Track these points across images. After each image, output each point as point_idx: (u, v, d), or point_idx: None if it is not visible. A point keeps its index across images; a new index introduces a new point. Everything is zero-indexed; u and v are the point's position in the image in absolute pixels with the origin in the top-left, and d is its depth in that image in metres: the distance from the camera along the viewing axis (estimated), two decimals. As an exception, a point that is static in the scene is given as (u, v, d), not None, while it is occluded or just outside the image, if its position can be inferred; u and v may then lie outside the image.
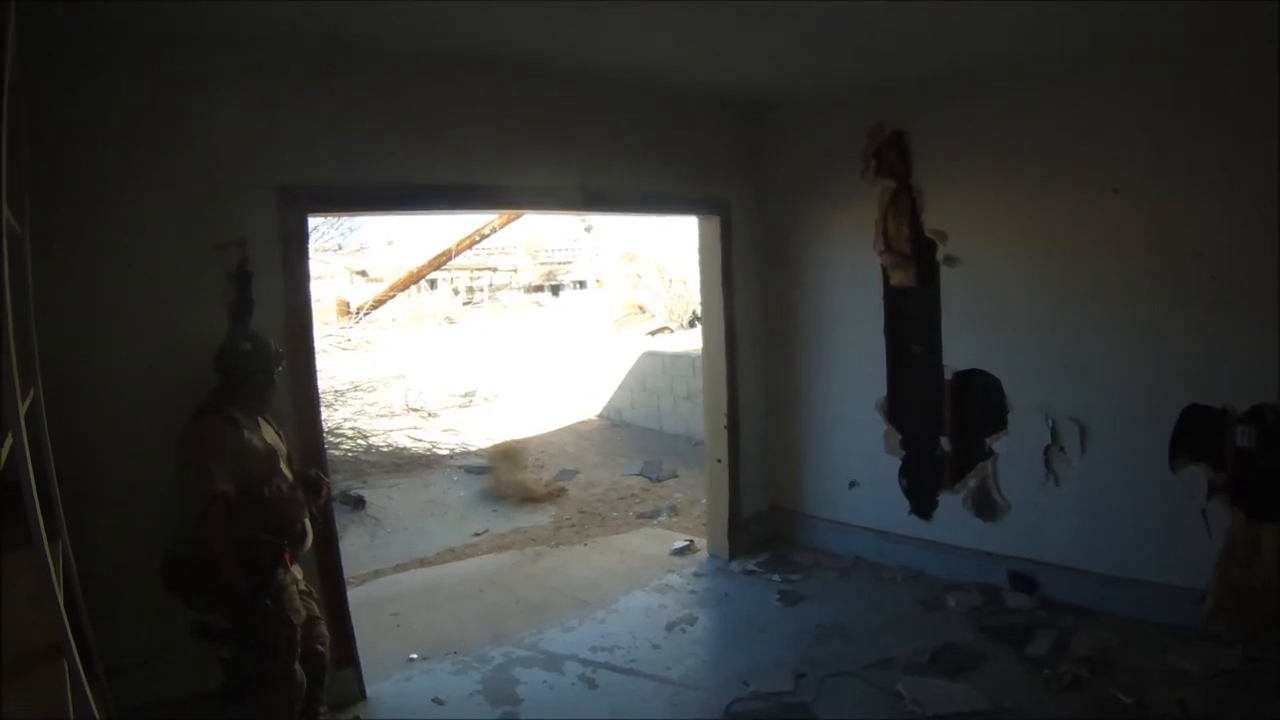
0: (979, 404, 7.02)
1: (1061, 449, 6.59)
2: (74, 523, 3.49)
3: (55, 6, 4.02)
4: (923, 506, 7.49)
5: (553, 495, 11.07)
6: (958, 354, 7.14)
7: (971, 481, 7.09)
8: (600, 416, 15.88)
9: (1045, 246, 6.57)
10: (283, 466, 4.50)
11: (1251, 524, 5.68)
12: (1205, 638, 5.78)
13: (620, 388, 15.67)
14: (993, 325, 6.91)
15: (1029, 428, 6.74)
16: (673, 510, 10.29)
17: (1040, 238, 6.60)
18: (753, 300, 8.26)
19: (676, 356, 14.64)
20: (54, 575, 2.44)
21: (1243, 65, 5.54)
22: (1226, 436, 5.82)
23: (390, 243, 28.19)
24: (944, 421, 7.26)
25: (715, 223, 7.97)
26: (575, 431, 14.95)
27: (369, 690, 5.70)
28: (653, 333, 17.28)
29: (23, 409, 2.41)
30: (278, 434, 4.64)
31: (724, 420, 8.09)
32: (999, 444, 6.93)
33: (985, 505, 7.03)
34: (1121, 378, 6.27)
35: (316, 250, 13.18)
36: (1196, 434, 5.95)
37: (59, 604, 2.41)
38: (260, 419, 4.54)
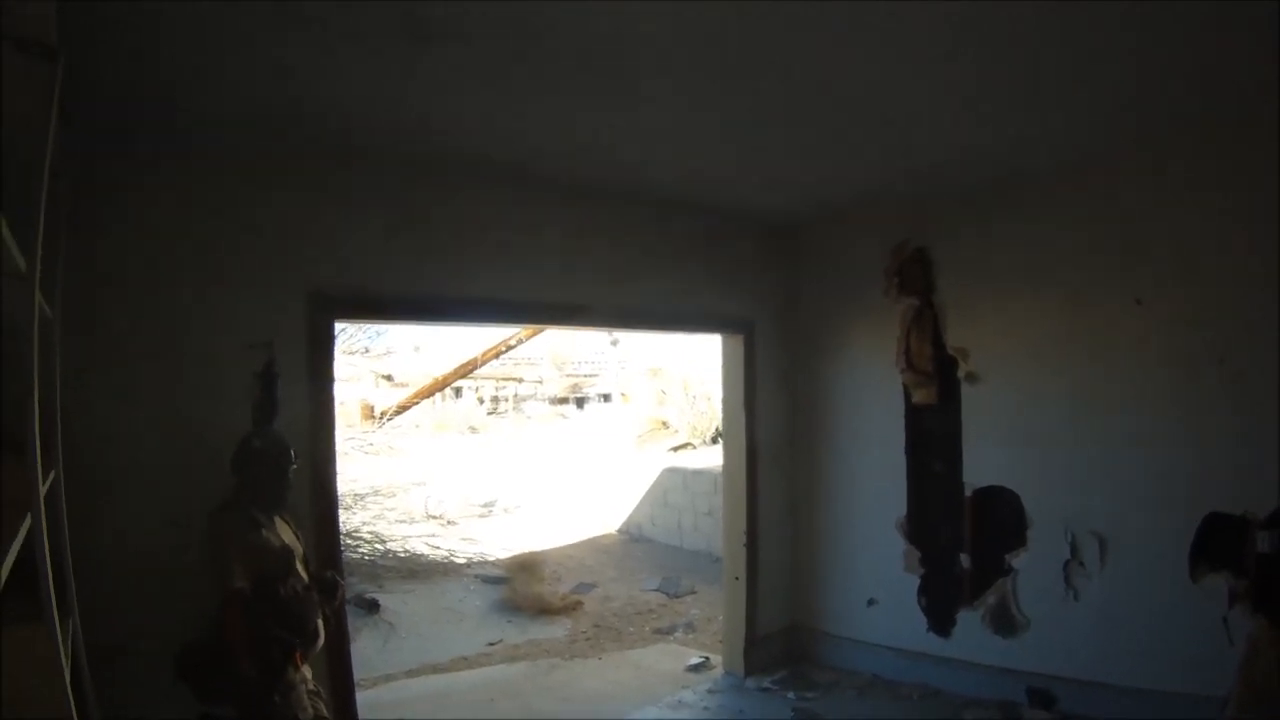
0: (999, 521, 6.98)
1: (1081, 563, 6.53)
2: (86, 602, 3.49)
3: (104, 105, 4.17)
4: (941, 624, 7.41)
5: (569, 608, 11.02)
6: (978, 471, 7.14)
7: (990, 599, 7.03)
8: (620, 531, 15.83)
9: (1066, 360, 6.63)
10: (299, 566, 4.50)
11: (1275, 630, 5.60)
12: (1228, 743, 5.67)
13: (641, 503, 15.65)
14: (1013, 442, 6.93)
15: (1048, 543, 6.70)
16: (689, 626, 10.22)
17: (1061, 351, 6.66)
18: (775, 417, 8.30)
19: (698, 473, 14.63)
20: (63, 653, 2.44)
21: (1261, 170, 5.59)
22: (1247, 543, 5.75)
23: (417, 348, 28.34)
24: (964, 539, 7.22)
25: (739, 341, 8.06)
26: (594, 545, 14.91)
27: (374, 795, 5.57)
28: (676, 448, 17.28)
29: (43, 489, 2.43)
30: (295, 534, 4.66)
31: (743, 538, 8.08)
32: (1018, 560, 6.88)
33: (1004, 622, 6.96)
34: (1142, 488, 6.25)
35: (342, 352, 13.30)
36: (1217, 541, 5.91)
37: (65, 682, 2.41)
38: (279, 518, 4.56)
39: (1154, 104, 5.02)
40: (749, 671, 7.96)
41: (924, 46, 4.04)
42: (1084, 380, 6.53)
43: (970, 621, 7.18)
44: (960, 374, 7.17)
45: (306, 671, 4.46)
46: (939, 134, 5.56)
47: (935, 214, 7.28)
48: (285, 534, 4.54)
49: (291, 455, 4.60)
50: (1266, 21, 3.80)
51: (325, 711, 4.69)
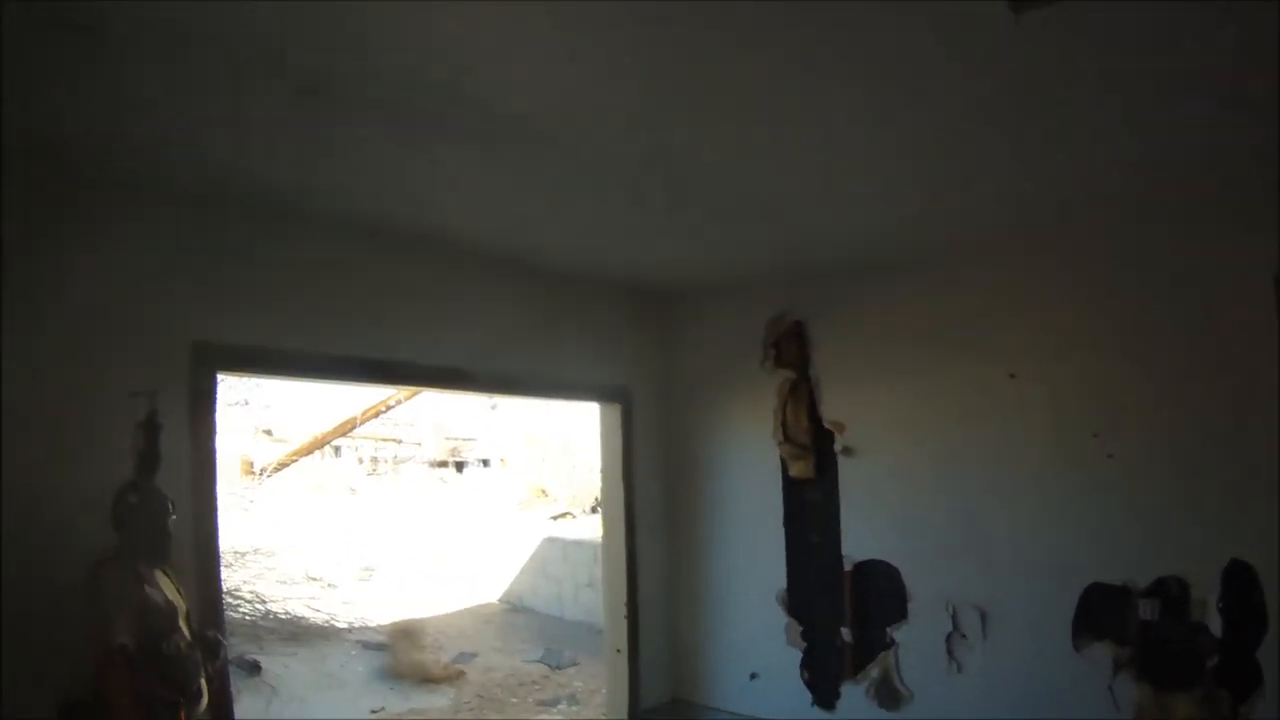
0: (879, 594, 7.17)
1: (963, 635, 6.70)
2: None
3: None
4: (825, 697, 7.51)
5: (451, 677, 10.95)
6: (857, 544, 7.33)
7: (874, 671, 7.20)
8: (501, 600, 15.74)
9: (942, 434, 6.84)
10: (181, 624, 4.34)
11: (1160, 695, 5.84)
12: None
13: (522, 572, 15.64)
14: (891, 515, 7.12)
15: (930, 615, 6.86)
16: (573, 699, 10.25)
17: (937, 425, 6.87)
18: (654, 487, 8.42)
19: (578, 543, 14.71)
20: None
21: (1131, 251, 6.04)
22: (1129, 611, 6.00)
23: (297, 404, 27.98)
24: (845, 612, 7.37)
25: (616, 410, 8.18)
26: (476, 614, 14.79)
27: None
28: (555, 517, 17.33)
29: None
30: (178, 590, 4.49)
31: (624, 610, 8.15)
32: (900, 633, 7.04)
33: (888, 695, 7.11)
34: (1022, 561, 6.45)
35: (222, 404, 13.13)
36: (1099, 611, 6.13)
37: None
38: (161, 573, 4.41)
39: (1028, 193, 5.20)
40: (634, 746, 7.95)
41: (793, 133, 4.14)
42: (960, 454, 6.76)
43: (855, 695, 7.32)
44: (836, 447, 7.38)
45: (191, 732, 4.36)
46: (810, 216, 5.82)
47: (812, 287, 7.51)
48: (168, 590, 4.38)
49: (170, 509, 4.48)
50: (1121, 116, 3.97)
51: (209, 774, 4.56)
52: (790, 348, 7.63)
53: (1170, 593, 5.87)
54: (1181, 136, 4.47)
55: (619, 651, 8.16)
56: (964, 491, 6.74)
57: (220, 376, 5.43)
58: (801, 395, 7.59)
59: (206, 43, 3.26)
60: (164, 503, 4.45)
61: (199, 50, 3.33)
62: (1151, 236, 5.95)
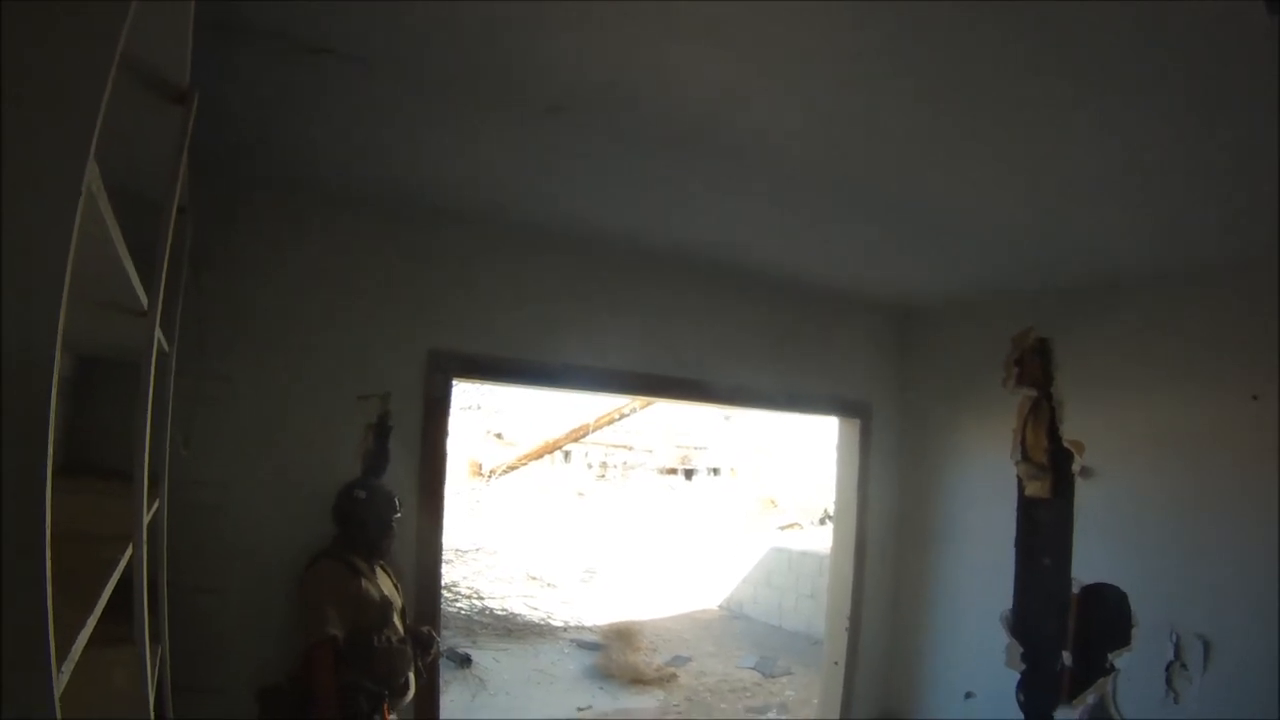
0: (1104, 619, 6.74)
1: (1183, 665, 6.28)
2: (179, 635, 3.48)
3: (235, 144, 4.22)
4: (1038, 721, 7.17)
5: (663, 680, 10.87)
6: (1087, 568, 6.87)
7: (1090, 698, 6.79)
8: (720, 607, 15.74)
9: (1182, 457, 6.35)
10: (395, 619, 4.48)
11: None
12: None
13: (744, 580, 15.61)
14: (1124, 539, 6.65)
15: (1152, 643, 6.38)
16: (783, 708, 10.01)
17: (1177, 449, 6.39)
18: (887, 503, 8.11)
19: (804, 554, 14.60)
20: (148, 678, 2.46)
21: None
22: None
23: (529, 410, 28.52)
24: (1067, 636, 6.99)
25: (855, 425, 7.92)
26: (693, 619, 14.79)
27: None
28: (783, 528, 17.15)
29: (146, 518, 2.47)
30: (395, 586, 4.65)
31: (845, 623, 7.88)
32: (1121, 660, 6.65)
33: (1102, 722, 6.75)
34: (1250, 591, 5.92)
35: (454, 408, 13.64)
36: None
37: (149, 706, 2.42)
38: (380, 569, 4.56)
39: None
40: (841, 759, 7.71)
41: (1038, 148, 4.00)
42: (1197, 477, 6.26)
43: (1066, 720, 6.99)
44: (1075, 468, 6.99)
45: (394, 722, 4.42)
46: (1055, 235, 5.45)
47: (1057, 305, 7.05)
48: (385, 585, 4.52)
49: (396, 507, 4.61)
50: None
51: (410, 762, 4.61)
52: (1033, 365, 7.26)
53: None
54: None
55: (836, 664, 7.88)
56: (1200, 516, 6.22)
57: (455, 382, 5.58)
58: (1042, 414, 7.22)
59: (452, 65, 3.32)
60: (390, 500, 4.58)
61: (445, 73, 3.39)
62: None
